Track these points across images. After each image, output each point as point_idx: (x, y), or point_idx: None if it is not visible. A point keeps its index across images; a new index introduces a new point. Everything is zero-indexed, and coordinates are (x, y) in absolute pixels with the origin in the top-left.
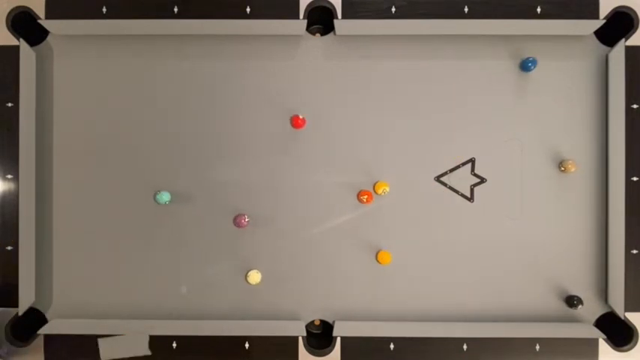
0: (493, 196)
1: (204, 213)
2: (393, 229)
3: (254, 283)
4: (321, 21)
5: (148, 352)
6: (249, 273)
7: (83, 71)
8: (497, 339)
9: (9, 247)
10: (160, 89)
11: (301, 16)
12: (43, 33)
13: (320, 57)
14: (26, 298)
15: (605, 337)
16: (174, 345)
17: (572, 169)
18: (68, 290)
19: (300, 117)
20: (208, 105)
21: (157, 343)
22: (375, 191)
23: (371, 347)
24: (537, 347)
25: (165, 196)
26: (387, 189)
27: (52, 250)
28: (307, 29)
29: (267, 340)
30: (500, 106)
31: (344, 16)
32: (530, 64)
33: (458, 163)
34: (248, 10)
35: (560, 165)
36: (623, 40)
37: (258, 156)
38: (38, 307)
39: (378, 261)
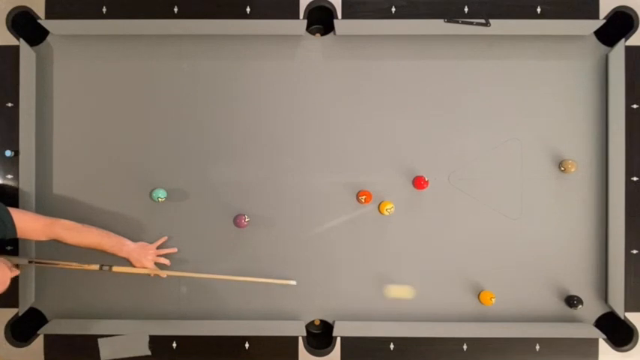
0: (493, 196)
1: (204, 213)
2: (392, 229)
3: (402, 297)
4: (321, 21)
5: (148, 352)
6: (394, 288)
7: (83, 71)
8: (497, 339)
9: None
10: (160, 89)
11: (301, 16)
12: (43, 33)
13: (320, 57)
14: (26, 298)
15: (605, 337)
16: (174, 345)
17: (572, 169)
18: (68, 290)
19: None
20: (208, 105)
21: (157, 343)
22: (380, 211)
23: (371, 347)
24: (537, 347)
25: (159, 193)
26: (392, 208)
27: (52, 250)
28: (307, 29)
29: (267, 340)
30: (500, 106)
31: (344, 16)
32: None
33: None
34: (248, 10)
35: (560, 165)
36: (623, 40)
37: (258, 156)
38: (38, 307)
39: (481, 301)
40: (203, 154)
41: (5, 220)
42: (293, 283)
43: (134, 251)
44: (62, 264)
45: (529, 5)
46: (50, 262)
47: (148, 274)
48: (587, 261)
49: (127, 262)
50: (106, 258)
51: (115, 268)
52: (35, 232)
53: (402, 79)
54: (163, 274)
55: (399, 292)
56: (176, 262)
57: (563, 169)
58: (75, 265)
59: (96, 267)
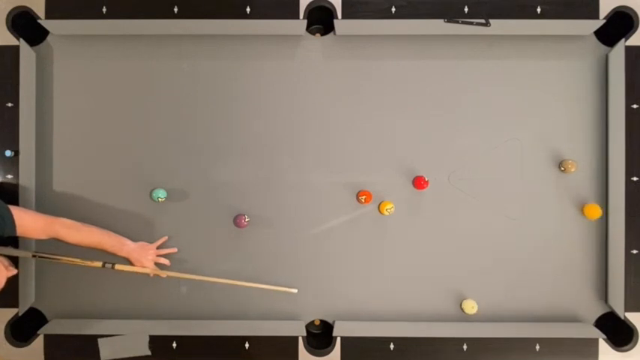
0: (493, 196)
1: (204, 213)
2: (392, 228)
3: (471, 312)
4: (321, 21)
5: (148, 352)
6: (466, 303)
7: (83, 71)
8: (497, 339)
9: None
10: (160, 89)
11: (301, 16)
12: (43, 33)
13: (320, 57)
14: (26, 298)
15: (605, 337)
16: (174, 345)
17: (572, 169)
18: (68, 290)
19: (425, 178)
20: (208, 105)
21: (157, 343)
22: (380, 211)
23: (371, 347)
24: (537, 347)
25: (159, 193)
26: (393, 208)
27: (52, 249)
28: (307, 29)
29: (267, 340)
30: (500, 106)
31: (344, 16)
32: None
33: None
34: (248, 10)
35: (560, 165)
36: (623, 40)
37: (258, 156)
38: (38, 307)
39: (586, 214)
40: (203, 154)
41: (5, 216)
42: (294, 291)
43: (134, 251)
44: (65, 259)
45: (529, 5)
46: (53, 256)
47: (149, 274)
48: (587, 261)
49: (127, 261)
50: (106, 257)
51: (118, 266)
52: (35, 231)
53: (402, 79)
54: (164, 274)
55: (469, 307)
56: (176, 262)
57: (563, 169)
58: (78, 261)
59: (99, 264)
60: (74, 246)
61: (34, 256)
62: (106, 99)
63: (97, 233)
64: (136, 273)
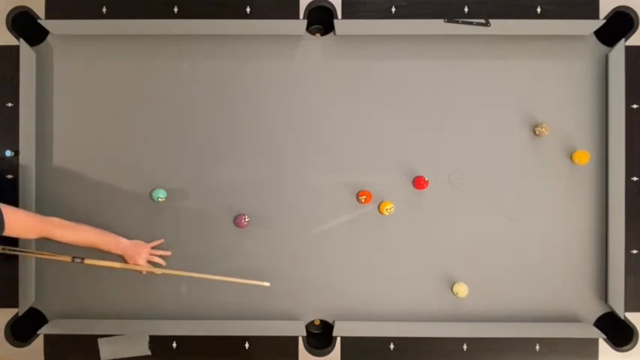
0: (493, 196)
1: (204, 213)
2: (392, 229)
3: (462, 295)
4: (321, 21)
5: (148, 352)
6: (459, 285)
7: (83, 71)
8: (497, 339)
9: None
10: (160, 89)
11: (301, 16)
12: (43, 33)
13: (320, 57)
14: (26, 298)
15: (605, 337)
16: (174, 345)
17: (546, 133)
18: (68, 290)
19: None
20: (208, 105)
21: (157, 343)
22: (380, 211)
23: (371, 347)
24: (537, 347)
25: (159, 193)
26: (393, 208)
27: (52, 249)
28: (307, 29)
29: (267, 340)
30: (500, 106)
31: (344, 16)
32: None
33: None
34: (248, 10)
35: (535, 129)
36: (623, 40)
37: (258, 156)
38: (38, 307)
39: (575, 160)
40: (203, 154)
41: None
42: (267, 284)
43: (128, 248)
44: (36, 253)
45: (529, 5)
46: (22, 250)
47: (140, 272)
48: (587, 261)
49: (121, 259)
50: (76, 252)
51: (87, 261)
52: (26, 230)
53: (402, 79)
54: (158, 271)
55: (461, 289)
56: (176, 261)
57: (538, 133)
58: (46, 255)
59: (68, 258)
60: (71, 246)
61: (3, 249)
62: (106, 99)
63: (92, 232)
64: (113, 268)
